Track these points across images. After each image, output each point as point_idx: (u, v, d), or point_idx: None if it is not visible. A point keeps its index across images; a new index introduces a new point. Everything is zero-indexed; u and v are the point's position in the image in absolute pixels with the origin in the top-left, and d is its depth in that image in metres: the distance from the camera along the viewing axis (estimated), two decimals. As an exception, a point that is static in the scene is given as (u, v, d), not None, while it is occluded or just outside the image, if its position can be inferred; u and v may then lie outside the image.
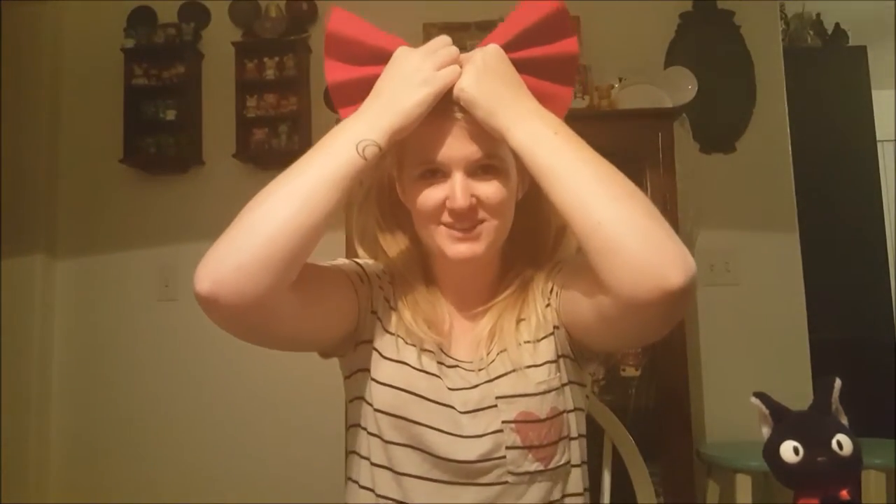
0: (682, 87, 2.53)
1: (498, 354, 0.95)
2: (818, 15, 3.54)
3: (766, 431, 0.81)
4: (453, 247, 0.93)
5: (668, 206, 2.33)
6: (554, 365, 0.94)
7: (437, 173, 0.91)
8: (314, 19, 2.80)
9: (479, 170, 0.91)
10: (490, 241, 0.93)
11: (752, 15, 2.69)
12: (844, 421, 0.79)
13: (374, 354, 0.95)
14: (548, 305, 0.96)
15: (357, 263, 1.00)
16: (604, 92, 2.50)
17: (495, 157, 0.91)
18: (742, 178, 2.63)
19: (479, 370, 0.94)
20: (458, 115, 0.89)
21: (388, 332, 0.96)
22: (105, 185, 2.82)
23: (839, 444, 0.75)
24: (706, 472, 2.39)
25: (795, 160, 2.65)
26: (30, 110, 2.79)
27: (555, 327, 0.95)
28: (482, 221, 0.92)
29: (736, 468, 2.19)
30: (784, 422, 0.79)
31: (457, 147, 0.89)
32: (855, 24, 3.51)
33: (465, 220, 0.91)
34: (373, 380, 0.94)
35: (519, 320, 0.97)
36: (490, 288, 1.01)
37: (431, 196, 0.92)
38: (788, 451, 0.76)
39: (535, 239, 1.02)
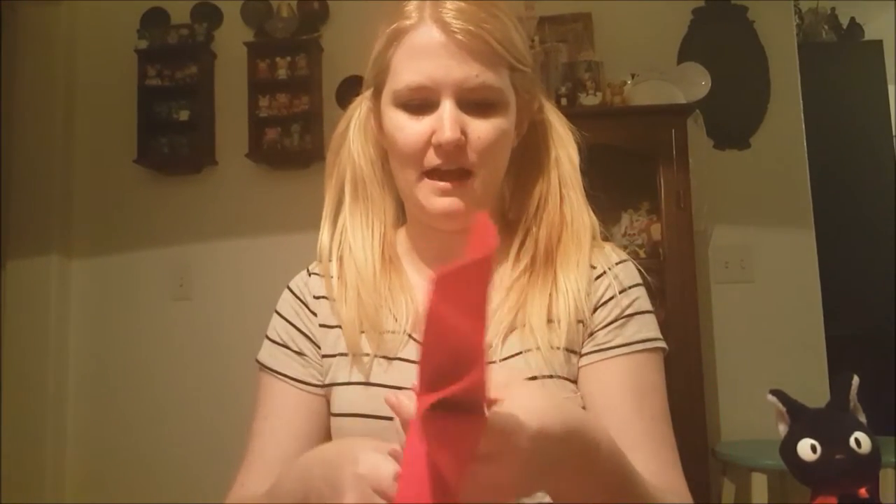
0: (696, 83, 2.51)
1: (512, 332, 0.78)
2: (833, 9, 3.51)
3: (782, 429, 0.80)
4: (436, 201, 0.76)
5: (682, 202, 2.31)
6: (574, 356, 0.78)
7: (422, 102, 0.75)
8: (325, 19, 2.80)
9: (473, 103, 0.75)
10: (477, 196, 0.77)
11: (766, 10, 2.67)
12: (862, 418, 0.78)
13: (334, 388, 0.82)
14: (580, 322, 0.79)
15: (287, 350, 0.85)
16: (616, 88, 2.49)
17: (495, 88, 0.75)
18: (757, 174, 2.61)
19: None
20: (456, 28, 0.73)
21: (335, 355, 0.83)
22: (119, 185, 2.84)
23: (857, 442, 0.74)
24: (721, 471, 2.38)
25: (810, 156, 2.62)
26: (44, 111, 2.81)
27: (579, 321, 0.79)
28: (469, 173, 0.76)
29: (751, 467, 2.17)
30: (801, 419, 0.79)
31: (450, 67, 0.73)
32: (871, 19, 3.48)
33: (452, 161, 0.75)
34: (333, 415, 0.81)
35: (549, 299, 0.79)
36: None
37: (414, 130, 0.75)
38: (806, 449, 0.76)
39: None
